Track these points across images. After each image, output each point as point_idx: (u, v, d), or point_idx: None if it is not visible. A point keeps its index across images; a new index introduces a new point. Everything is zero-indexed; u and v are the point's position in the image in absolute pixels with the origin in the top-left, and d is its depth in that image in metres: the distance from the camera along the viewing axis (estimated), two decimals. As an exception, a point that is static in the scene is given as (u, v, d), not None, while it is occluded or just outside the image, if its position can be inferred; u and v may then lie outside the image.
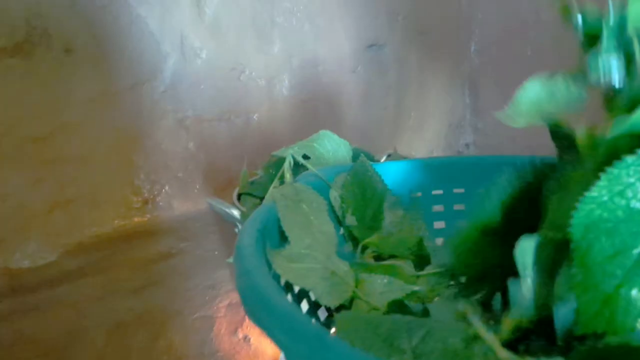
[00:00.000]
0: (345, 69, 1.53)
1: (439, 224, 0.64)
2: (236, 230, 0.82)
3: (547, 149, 1.53)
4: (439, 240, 0.62)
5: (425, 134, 1.71)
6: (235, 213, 0.75)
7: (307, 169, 0.61)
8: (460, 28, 1.72)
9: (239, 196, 0.85)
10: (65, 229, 1.17)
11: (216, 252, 1.13)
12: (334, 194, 0.57)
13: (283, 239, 0.48)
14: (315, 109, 1.48)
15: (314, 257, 0.46)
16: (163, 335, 0.86)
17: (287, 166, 0.58)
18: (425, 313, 0.43)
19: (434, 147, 1.72)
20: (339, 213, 0.55)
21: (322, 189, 0.57)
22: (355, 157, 0.86)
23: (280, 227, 0.47)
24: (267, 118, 1.40)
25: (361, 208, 0.56)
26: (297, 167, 0.80)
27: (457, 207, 0.64)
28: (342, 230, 0.56)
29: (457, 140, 1.79)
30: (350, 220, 0.55)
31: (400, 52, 1.60)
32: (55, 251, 1.15)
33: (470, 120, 1.80)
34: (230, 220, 0.80)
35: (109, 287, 1.01)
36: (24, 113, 1.09)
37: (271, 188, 0.57)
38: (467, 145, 1.81)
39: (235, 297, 0.95)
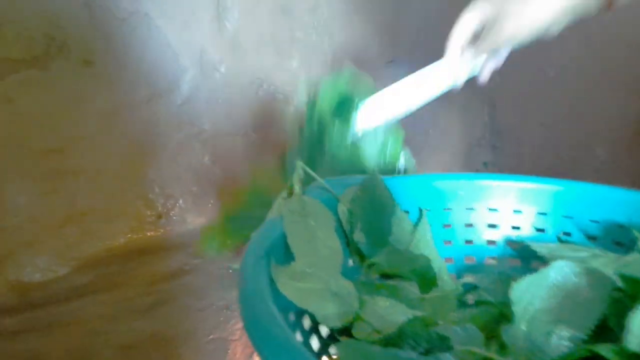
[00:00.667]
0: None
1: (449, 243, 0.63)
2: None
3: (568, 172, 1.50)
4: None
5: (442, 152, 1.70)
6: None
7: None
8: (480, 45, 1.71)
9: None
10: (77, 242, 1.16)
11: (230, 270, 1.12)
12: (343, 208, 0.55)
13: (288, 253, 0.47)
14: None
15: (317, 277, 0.45)
16: (175, 357, 0.85)
17: (296, 177, 0.56)
18: (430, 339, 0.42)
19: (452, 165, 1.71)
20: (347, 228, 0.54)
21: (331, 201, 0.55)
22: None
23: (286, 242, 0.47)
24: (284, 133, 1.39)
25: (369, 223, 0.54)
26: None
27: (468, 225, 0.63)
28: (348, 244, 0.55)
29: (474, 159, 1.78)
30: (358, 236, 0.53)
31: (419, 69, 1.59)
32: (66, 265, 1.15)
33: (489, 139, 1.78)
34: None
35: (120, 304, 1.00)
36: (39, 125, 1.09)
37: (279, 199, 0.55)
38: (485, 164, 1.79)
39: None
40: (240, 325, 0.92)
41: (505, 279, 0.53)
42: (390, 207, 0.57)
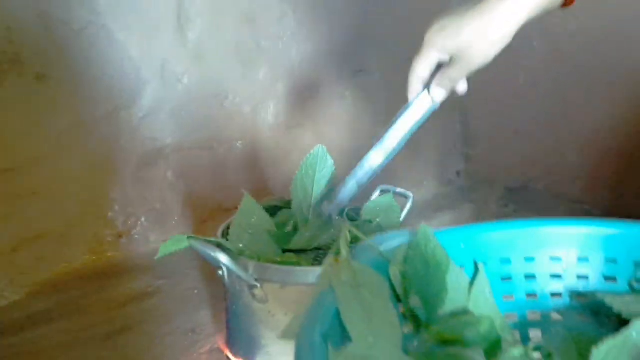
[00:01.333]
0: (334, 95, 1.51)
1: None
2: (220, 273, 0.79)
3: (542, 181, 1.52)
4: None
5: (415, 162, 1.70)
6: (221, 257, 0.71)
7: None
8: (450, 53, 1.73)
9: (225, 232, 0.81)
10: (32, 266, 1.12)
11: (196, 291, 1.09)
12: (395, 271, 0.50)
13: (345, 332, 0.43)
14: (301, 135, 1.47)
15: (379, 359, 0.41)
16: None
17: (343, 241, 0.50)
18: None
19: (424, 176, 1.71)
20: (400, 292, 0.49)
21: (380, 264, 0.50)
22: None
23: (340, 320, 0.42)
24: (251, 146, 1.38)
25: (425, 285, 0.49)
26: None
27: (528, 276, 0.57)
28: (401, 309, 0.50)
29: (447, 168, 1.78)
30: (414, 301, 0.49)
31: (389, 78, 1.59)
32: (21, 290, 1.10)
33: (461, 147, 1.80)
34: (214, 264, 0.76)
35: (79, 332, 0.96)
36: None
37: (325, 266, 0.49)
38: (457, 173, 1.80)
39: (217, 342, 0.90)
40: (206, 348, 0.90)
41: (577, 337, 0.49)
42: (445, 264, 0.50)
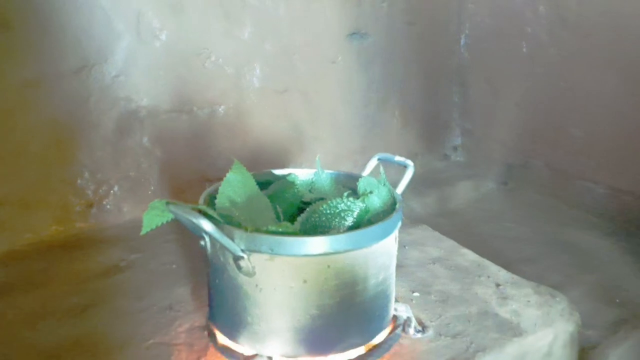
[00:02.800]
0: (325, 59, 1.46)
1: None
2: (202, 243, 0.75)
3: (544, 157, 1.49)
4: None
5: (410, 134, 1.67)
6: (204, 224, 0.67)
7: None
8: (450, 19, 1.69)
9: (208, 201, 0.77)
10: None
11: (174, 266, 1.04)
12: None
13: None
14: (289, 102, 1.42)
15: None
16: (108, 366, 0.79)
17: None
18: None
19: (419, 150, 1.68)
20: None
21: None
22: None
23: None
24: (235, 111, 1.33)
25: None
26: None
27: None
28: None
29: (444, 141, 1.75)
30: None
31: (385, 43, 1.55)
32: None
33: (459, 120, 1.77)
34: (195, 233, 0.72)
35: (42, 307, 0.91)
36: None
37: None
38: (454, 147, 1.77)
39: (197, 320, 0.87)
40: (185, 327, 0.86)
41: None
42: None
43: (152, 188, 1.24)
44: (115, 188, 1.19)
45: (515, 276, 1.01)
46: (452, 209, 1.55)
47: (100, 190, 1.17)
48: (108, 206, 1.19)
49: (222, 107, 1.31)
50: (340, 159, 1.51)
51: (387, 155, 0.91)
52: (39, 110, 1.08)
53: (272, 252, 0.67)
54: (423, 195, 1.53)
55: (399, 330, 0.81)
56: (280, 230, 0.69)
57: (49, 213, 1.12)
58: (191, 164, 1.27)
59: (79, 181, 1.14)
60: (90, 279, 1.01)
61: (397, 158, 0.90)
